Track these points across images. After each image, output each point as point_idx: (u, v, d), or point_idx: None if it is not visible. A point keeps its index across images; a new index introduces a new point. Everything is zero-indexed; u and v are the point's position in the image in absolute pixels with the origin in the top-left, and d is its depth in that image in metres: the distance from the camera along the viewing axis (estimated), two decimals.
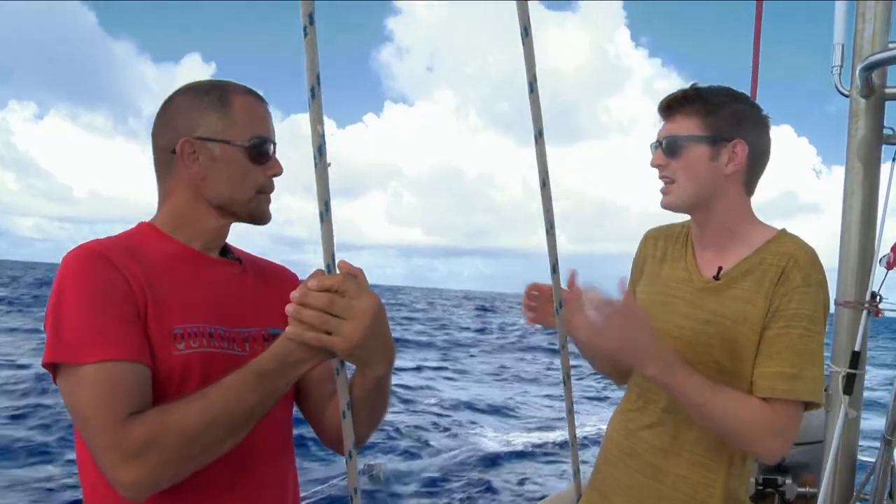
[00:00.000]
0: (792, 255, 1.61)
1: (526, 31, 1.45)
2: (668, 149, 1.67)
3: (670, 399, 1.71)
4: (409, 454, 11.00)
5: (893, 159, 2.46)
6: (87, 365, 1.11)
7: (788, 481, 2.80)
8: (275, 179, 1.37)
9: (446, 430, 12.84)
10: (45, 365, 1.16)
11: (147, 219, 1.37)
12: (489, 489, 9.17)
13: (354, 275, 1.10)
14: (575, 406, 1.88)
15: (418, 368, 20.45)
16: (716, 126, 1.63)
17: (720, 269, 1.69)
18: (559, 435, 11.85)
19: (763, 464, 2.82)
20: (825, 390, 2.58)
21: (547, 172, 1.58)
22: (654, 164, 1.70)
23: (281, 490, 1.37)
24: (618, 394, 1.98)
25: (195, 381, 1.18)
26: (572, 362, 1.80)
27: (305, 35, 1.04)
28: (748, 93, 2.97)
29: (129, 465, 1.06)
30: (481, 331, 39.67)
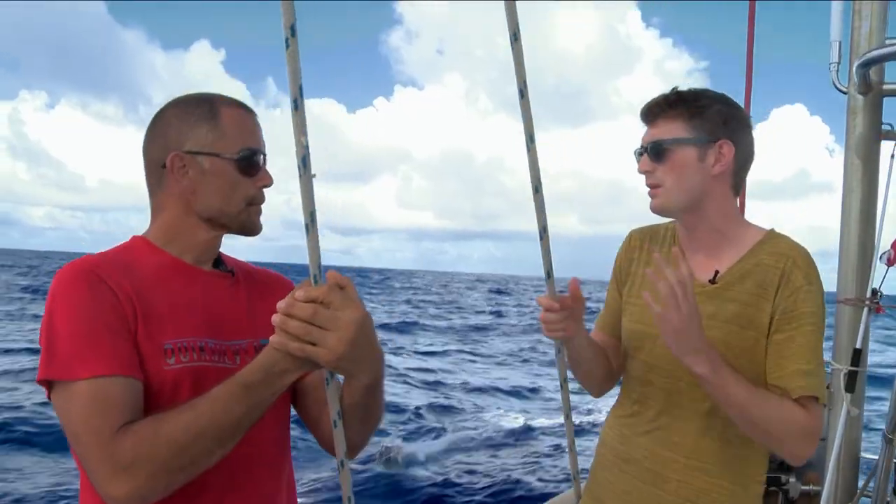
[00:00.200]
0: (789, 256, 1.61)
1: (515, 37, 1.45)
2: (653, 153, 1.66)
3: (668, 404, 1.71)
4: (427, 437, 10.90)
5: (892, 155, 2.45)
6: (79, 381, 1.12)
7: (792, 479, 2.79)
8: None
9: (466, 412, 12.73)
10: (39, 382, 1.18)
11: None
12: (507, 472, 8.99)
13: (342, 286, 1.10)
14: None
15: (436, 352, 20.36)
16: (701, 127, 1.62)
17: (717, 272, 1.68)
18: (580, 419, 11.82)
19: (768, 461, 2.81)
20: (827, 388, 2.58)
21: (539, 178, 1.58)
22: (641, 171, 1.69)
23: (277, 497, 1.38)
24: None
25: (186, 395, 1.19)
26: None
27: (287, 46, 1.04)
28: (750, 89, 2.98)
29: (120, 479, 1.07)
30: (497, 314, 39.46)
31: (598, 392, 1.92)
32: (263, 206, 1.39)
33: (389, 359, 19.06)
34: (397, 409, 12.55)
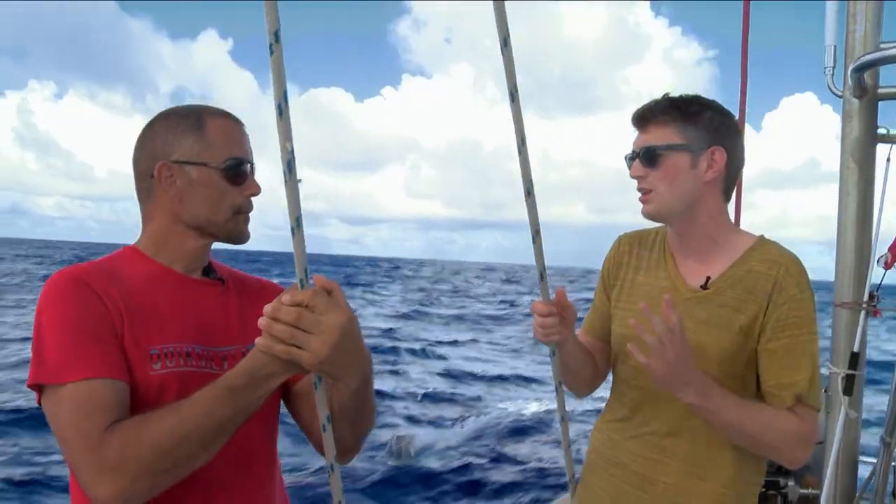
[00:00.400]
0: (781, 264, 1.61)
1: (505, 42, 1.46)
2: (646, 159, 1.66)
3: (658, 409, 1.71)
4: (441, 427, 10.74)
5: (888, 159, 2.46)
6: (67, 384, 1.15)
7: (791, 483, 2.79)
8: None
9: (482, 401, 12.60)
10: (29, 387, 1.21)
11: None
12: (522, 464, 8.81)
13: (329, 290, 1.11)
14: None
15: (452, 341, 20.22)
16: (694, 134, 1.63)
17: (708, 278, 1.68)
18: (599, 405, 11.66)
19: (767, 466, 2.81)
20: (825, 391, 2.58)
21: (531, 181, 1.59)
22: (632, 176, 1.70)
23: (265, 497, 1.39)
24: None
25: (171, 400, 1.20)
26: None
27: (272, 52, 1.05)
28: (745, 88, 2.98)
29: (106, 480, 1.09)
30: (511, 303, 39.19)
31: (585, 394, 1.94)
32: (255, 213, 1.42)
33: (404, 346, 18.71)
34: (410, 397, 12.43)
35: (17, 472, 7.47)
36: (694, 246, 1.72)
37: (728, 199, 1.73)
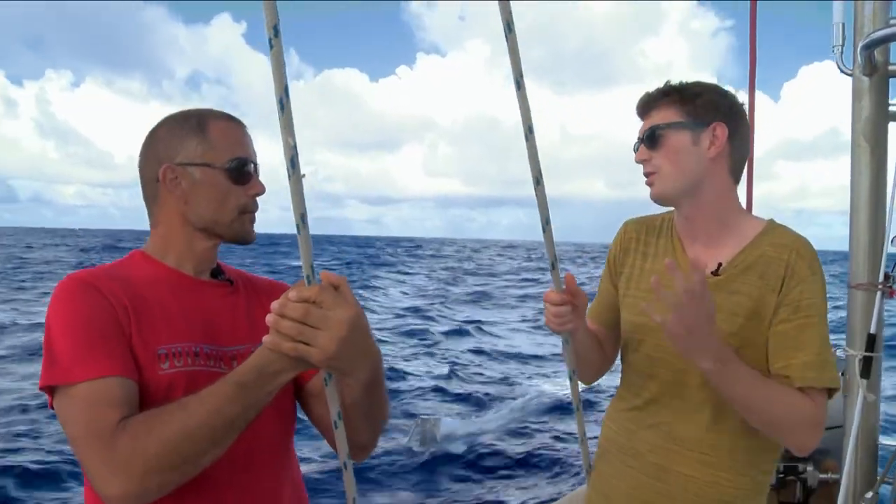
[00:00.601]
0: (792, 248, 1.61)
1: (509, 28, 1.44)
2: (649, 141, 1.67)
3: (673, 397, 1.70)
4: (471, 408, 10.59)
5: None
6: (78, 384, 1.16)
7: (810, 468, 2.77)
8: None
9: (513, 381, 12.44)
10: (41, 389, 1.22)
11: None
12: (551, 446, 8.58)
13: (336, 285, 1.11)
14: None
15: (479, 321, 20.04)
16: (694, 111, 1.64)
17: (720, 264, 1.67)
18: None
19: (784, 451, 2.79)
20: (842, 374, 2.55)
21: (539, 170, 1.58)
22: (638, 160, 1.70)
23: (279, 494, 1.39)
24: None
25: None
26: None
27: (271, 47, 1.05)
28: (754, 85, 2.95)
29: (117, 477, 1.09)
30: (536, 280, 38.89)
31: (592, 381, 1.94)
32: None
33: (433, 325, 18.58)
34: (440, 378, 12.29)
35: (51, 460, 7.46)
36: (702, 230, 1.71)
37: (737, 180, 1.72)
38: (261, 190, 1.41)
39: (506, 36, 1.45)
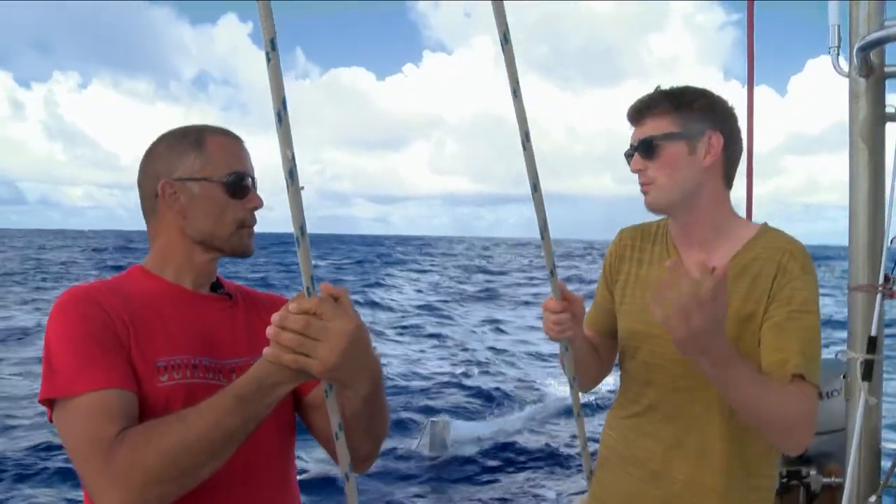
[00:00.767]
0: (786, 249, 1.61)
1: (505, 38, 1.45)
2: (644, 151, 1.66)
3: (672, 404, 1.70)
4: (489, 409, 10.53)
5: None
6: (77, 396, 1.17)
7: (813, 472, 2.75)
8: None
9: (531, 382, 12.43)
10: (41, 401, 1.22)
11: None
12: (563, 453, 8.48)
13: (336, 296, 1.12)
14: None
15: (494, 320, 19.99)
16: (689, 121, 1.63)
17: (713, 269, 1.66)
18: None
19: (787, 456, 2.78)
20: (844, 377, 2.54)
21: (537, 177, 1.58)
22: (633, 170, 1.69)
23: None
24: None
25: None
26: None
27: (269, 61, 1.05)
28: (752, 82, 2.95)
29: (116, 489, 1.09)
30: (544, 279, 39.02)
31: (590, 387, 1.94)
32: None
33: (447, 324, 18.55)
34: (452, 377, 12.27)
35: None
36: (697, 236, 1.71)
37: (730, 185, 1.72)
38: (259, 203, 1.42)
39: (502, 46, 1.45)
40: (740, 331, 1.60)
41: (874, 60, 2.36)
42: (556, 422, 9.83)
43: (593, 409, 9.19)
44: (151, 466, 1.10)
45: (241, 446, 1.18)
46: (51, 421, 1.23)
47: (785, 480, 2.79)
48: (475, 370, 13.29)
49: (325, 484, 7.02)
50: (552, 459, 8.32)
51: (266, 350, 1.11)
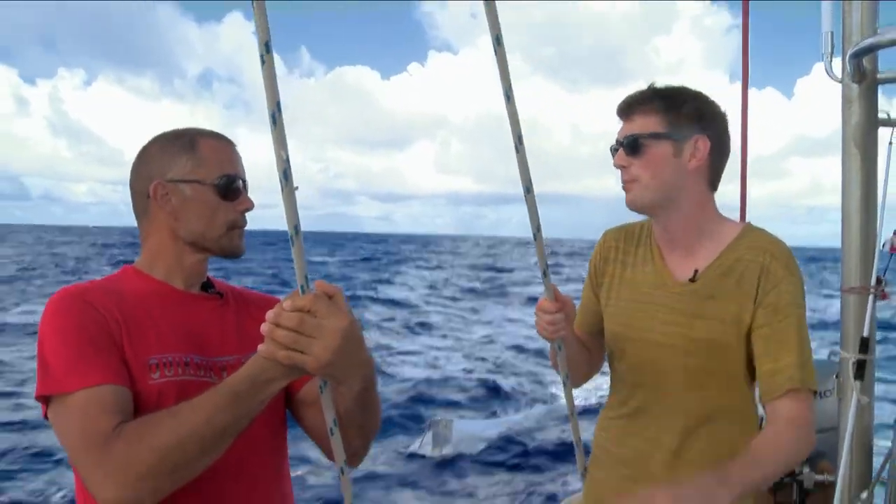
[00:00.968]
0: (767, 250, 1.62)
1: (498, 41, 1.47)
2: (629, 148, 1.66)
3: (656, 405, 1.71)
4: (492, 410, 10.50)
5: (890, 143, 2.46)
6: (73, 393, 1.19)
7: (806, 470, 2.78)
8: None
9: (543, 379, 12.40)
10: (37, 398, 1.25)
11: None
12: (563, 452, 8.41)
13: (330, 294, 1.14)
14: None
15: (504, 318, 20.14)
16: (677, 123, 1.63)
17: (696, 271, 1.68)
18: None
19: None
20: (836, 377, 2.58)
21: (530, 180, 1.61)
22: (616, 165, 1.69)
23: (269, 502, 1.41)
24: None
25: None
26: None
27: (263, 63, 1.07)
28: (747, 85, 2.99)
29: (112, 481, 1.12)
30: (555, 273, 38.88)
31: (582, 383, 1.95)
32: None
33: (456, 322, 18.44)
34: (463, 374, 12.22)
35: None
36: (679, 238, 1.71)
37: (715, 188, 1.72)
38: (249, 206, 1.44)
39: (494, 49, 1.47)
40: (724, 332, 1.62)
41: (867, 66, 2.40)
42: (560, 421, 9.85)
43: (595, 412, 9.17)
44: (145, 461, 1.12)
45: (234, 442, 1.20)
46: (45, 417, 1.27)
47: (778, 478, 2.82)
48: (484, 367, 13.26)
49: (317, 479, 7.05)
50: (553, 459, 8.31)
51: (261, 347, 1.14)
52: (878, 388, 2.69)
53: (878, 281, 2.47)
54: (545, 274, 1.71)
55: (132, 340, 1.29)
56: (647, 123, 1.65)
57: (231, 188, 1.41)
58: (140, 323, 1.32)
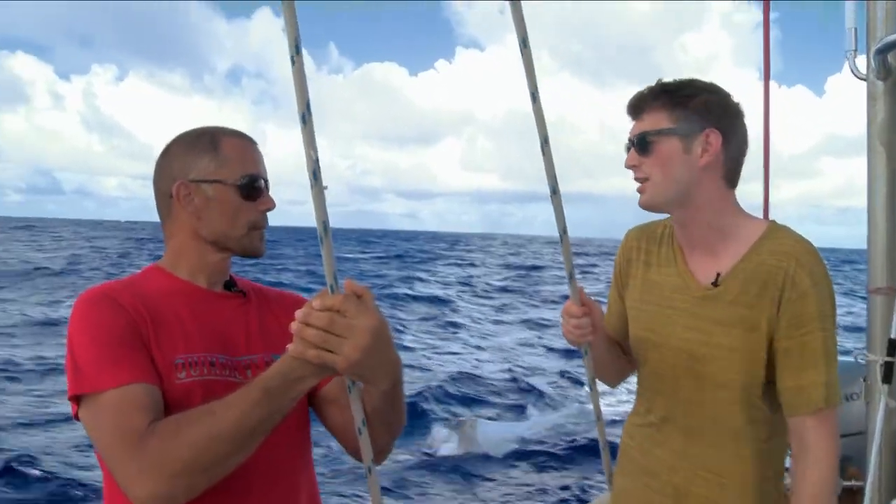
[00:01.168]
0: (792, 255, 1.55)
1: (524, 43, 1.46)
2: (639, 147, 1.62)
3: (679, 414, 1.67)
4: (523, 410, 10.49)
5: None
6: (105, 392, 1.20)
7: None
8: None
9: (575, 378, 12.33)
10: (69, 398, 1.26)
11: None
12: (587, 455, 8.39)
13: (360, 294, 1.14)
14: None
15: (539, 318, 20.05)
16: (685, 117, 1.57)
17: (718, 275, 1.62)
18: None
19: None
20: (864, 380, 2.53)
21: (556, 180, 1.59)
22: (627, 165, 1.65)
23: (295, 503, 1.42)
24: None
25: None
26: None
27: (293, 64, 1.07)
28: (769, 82, 2.96)
29: (146, 478, 1.13)
30: (587, 272, 38.76)
31: (616, 383, 1.93)
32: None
33: (488, 322, 18.47)
34: (495, 374, 12.17)
35: None
36: (698, 237, 1.66)
37: (733, 185, 1.66)
38: (271, 206, 1.45)
39: (521, 51, 1.46)
40: (746, 339, 1.57)
41: (892, 63, 2.36)
42: (591, 426, 9.87)
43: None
44: (181, 457, 1.13)
45: (263, 441, 1.21)
46: (75, 417, 1.27)
47: None
48: (516, 368, 13.25)
49: (342, 476, 7.03)
50: (581, 461, 8.27)
51: (290, 346, 1.14)
52: None
53: None
54: (571, 276, 1.69)
55: (160, 340, 1.30)
56: (655, 120, 1.60)
57: (253, 188, 1.42)
58: (167, 322, 1.33)
